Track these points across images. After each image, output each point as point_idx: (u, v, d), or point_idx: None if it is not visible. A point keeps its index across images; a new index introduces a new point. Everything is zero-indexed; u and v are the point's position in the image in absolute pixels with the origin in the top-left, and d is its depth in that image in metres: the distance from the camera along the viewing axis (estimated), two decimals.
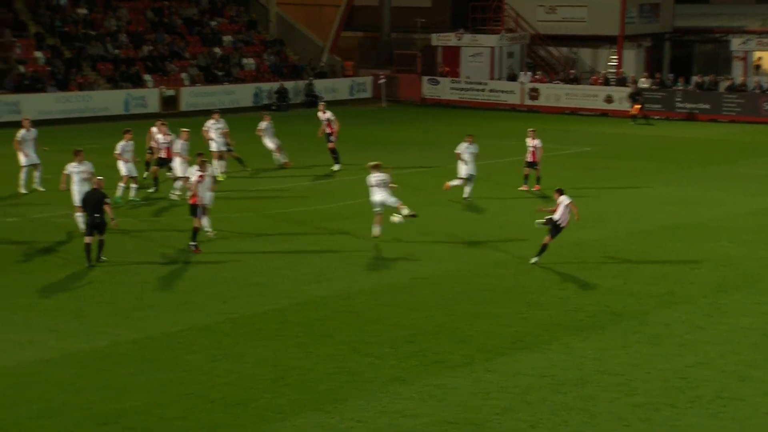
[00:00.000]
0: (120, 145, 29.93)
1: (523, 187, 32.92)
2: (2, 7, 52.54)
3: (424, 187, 33.13)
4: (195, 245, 24.42)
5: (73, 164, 25.89)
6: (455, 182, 31.13)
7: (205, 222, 25.20)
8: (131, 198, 29.99)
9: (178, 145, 30.74)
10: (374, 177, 25.67)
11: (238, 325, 19.35)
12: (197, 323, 19.41)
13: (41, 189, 31.55)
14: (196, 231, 24.56)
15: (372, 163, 26.04)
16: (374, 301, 21.15)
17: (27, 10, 53.77)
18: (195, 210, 24.55)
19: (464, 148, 31.05)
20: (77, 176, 25.65)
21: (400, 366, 17.36)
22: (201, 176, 24.60)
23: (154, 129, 31.85)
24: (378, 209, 25.75)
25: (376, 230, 25.68)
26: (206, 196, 24.78)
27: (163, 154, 31.32)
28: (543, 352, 18.16)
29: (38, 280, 22.01)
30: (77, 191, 25.30)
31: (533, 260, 23.98)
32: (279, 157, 36.49)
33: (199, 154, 26.32)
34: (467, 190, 31.11)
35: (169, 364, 17.19)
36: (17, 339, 18.18)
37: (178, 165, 30.51)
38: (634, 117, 53.96)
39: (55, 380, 16.40)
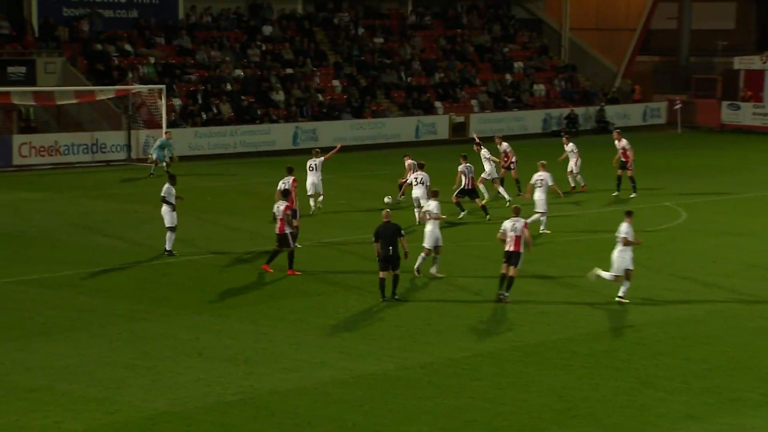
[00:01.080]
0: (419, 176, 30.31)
1: None
2: (305, 38, 55.07)
3: (723, 215, 31.83)
4: (504, 295, 22.38)
5: (433, 201, 24.82)
6: None
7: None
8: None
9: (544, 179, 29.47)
10: None
11: (524, 354, 19.14)
12: (483, 350, 19.36)
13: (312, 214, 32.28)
14: (508, 279, 22.41)
15: None
16: (665, 334, 20.39)
17: (327, 41, 56.11)
18: (513, 257, 22.32)
19: None
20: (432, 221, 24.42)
21: (693, 402, 16.62)
22: (526, 224, 22.62)
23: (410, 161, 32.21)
24: None
25: None
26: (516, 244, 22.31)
27: (466, 184, 31.19)
28: None
29: (330, 302, 22.64)
30: (428, 231, 24.10)
31: None
32: (578, 180, 36.37)
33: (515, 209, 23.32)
34: None
35: (454, 390, 17.21)
36: (311, 359, 18.76)
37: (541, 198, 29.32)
38: None
39: (346, 401, 16.77)
